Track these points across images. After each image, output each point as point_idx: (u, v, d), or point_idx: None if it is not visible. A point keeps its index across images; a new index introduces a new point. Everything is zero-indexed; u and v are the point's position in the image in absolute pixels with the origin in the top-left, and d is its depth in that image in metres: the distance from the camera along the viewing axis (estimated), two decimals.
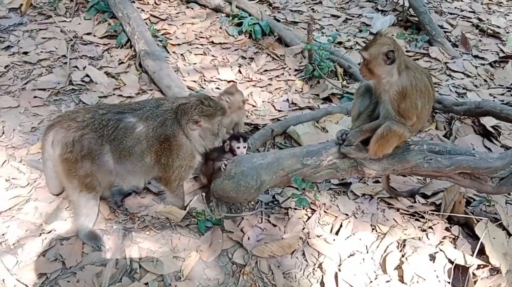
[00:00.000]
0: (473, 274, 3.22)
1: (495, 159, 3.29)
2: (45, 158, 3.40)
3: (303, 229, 3.58)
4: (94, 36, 6.01)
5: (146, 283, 3.11)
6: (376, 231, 3.60)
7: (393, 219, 3.70)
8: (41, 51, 5.61)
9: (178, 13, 6.84)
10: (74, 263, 3.21)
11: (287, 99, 5.22)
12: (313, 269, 3.31)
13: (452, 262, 3.29)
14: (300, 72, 5.73)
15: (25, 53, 5.55)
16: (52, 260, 3.24)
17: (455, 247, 3.45)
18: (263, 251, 3.36)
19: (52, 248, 3.31)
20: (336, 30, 6.95)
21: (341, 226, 3.62)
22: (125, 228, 3.51)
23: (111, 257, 3.28)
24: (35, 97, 4.86)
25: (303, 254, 3.40)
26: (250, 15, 6.56)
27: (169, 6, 6.98)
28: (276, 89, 5.43)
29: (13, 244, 3.33)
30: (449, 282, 3.21)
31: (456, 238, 3.53)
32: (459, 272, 3.23)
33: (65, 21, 6.23)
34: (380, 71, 3.02)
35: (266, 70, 5.80)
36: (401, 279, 3.21)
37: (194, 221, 3.58)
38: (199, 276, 3.21)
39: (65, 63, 5.43)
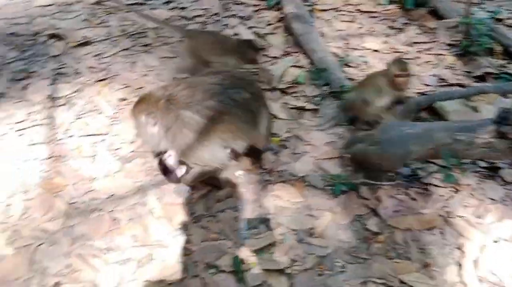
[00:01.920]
0: None
1: None
2: None
3: (444, 207, 3.41)
4: None
5: (281, 234, 3.23)
6: None
7: None
8: (196, 8, 5.91)
9: None
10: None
11: (436, 74, 4.93)
12: (452, 249, 3.15)
13: None
14: (453, 47, 5.34)
15: (182, 8, 5.89)
16: None
17: None
18: (400, 222, 3.28)
19: None
20: (499, 6, 6.33)
21: (486, 210, 3.39)
22: (264, 180, 3.65)
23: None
24: None
25: (442, 232, 3.25)
26: None
27: None
28: (425, 62, 5.15)
29: None
30: None
31: None
32: None
33: None
34: None
35: (415, 43, 5.49)
36: None
37: (330, 182, 3.59)
38: (331, 236, 3.24)
39: (218, 21, 5.67)
